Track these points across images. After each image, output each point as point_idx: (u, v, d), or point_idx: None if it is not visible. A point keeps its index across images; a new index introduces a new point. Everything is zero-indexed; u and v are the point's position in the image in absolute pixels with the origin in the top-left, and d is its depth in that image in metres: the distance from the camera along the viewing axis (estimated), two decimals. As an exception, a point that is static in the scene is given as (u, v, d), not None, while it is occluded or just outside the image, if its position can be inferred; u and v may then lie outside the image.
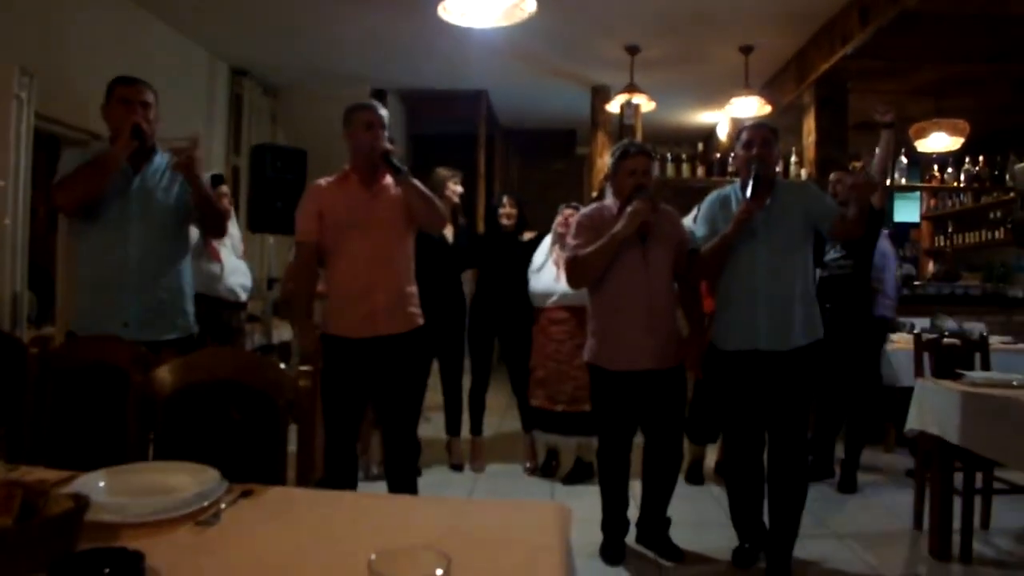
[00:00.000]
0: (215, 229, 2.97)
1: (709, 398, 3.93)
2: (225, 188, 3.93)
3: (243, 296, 3.76)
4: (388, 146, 2.75)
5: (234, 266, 3.73)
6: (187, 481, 1.35)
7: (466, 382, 4.37)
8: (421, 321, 2.89)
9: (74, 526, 1.04)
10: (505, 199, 4.32)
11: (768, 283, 2.78)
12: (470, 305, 4.40)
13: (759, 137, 2.86)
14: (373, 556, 0.80)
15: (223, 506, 1.29)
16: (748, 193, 2.77)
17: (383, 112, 2.82)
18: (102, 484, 1.33)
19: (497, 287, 4.29)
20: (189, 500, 1.27)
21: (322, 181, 2.88)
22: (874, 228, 4.04)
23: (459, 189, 4.15)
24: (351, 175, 2.83)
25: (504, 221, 4.27)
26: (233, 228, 3.87)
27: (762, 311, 2.78)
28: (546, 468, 4.25)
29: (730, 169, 6.27)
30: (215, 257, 3.68)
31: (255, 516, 1.28)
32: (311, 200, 2.83)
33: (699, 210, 3.89)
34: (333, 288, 2.85)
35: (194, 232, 3.50)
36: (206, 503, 1.28)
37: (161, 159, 2.74)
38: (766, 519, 2.92)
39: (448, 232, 4.10)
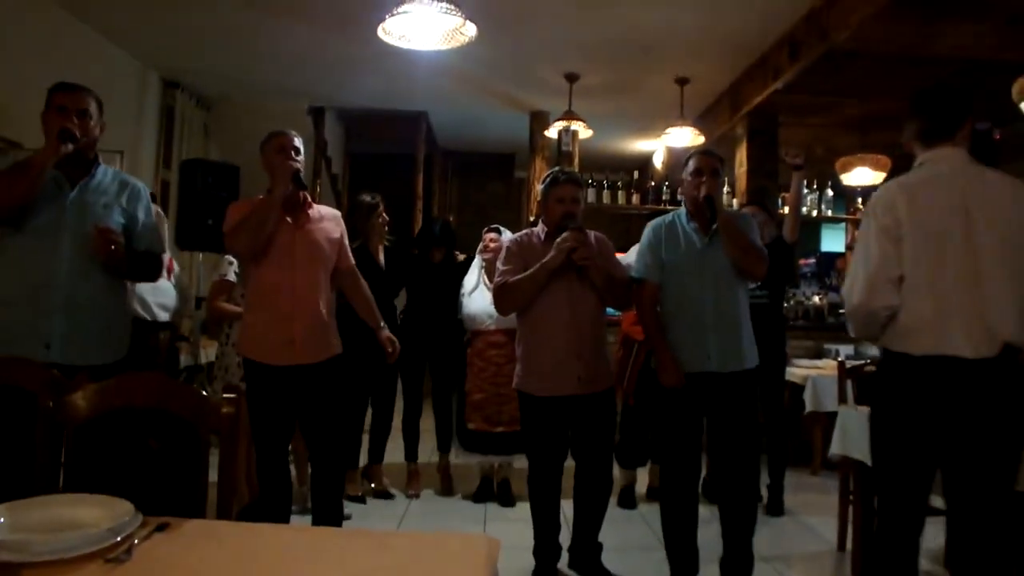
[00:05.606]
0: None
1: (641, 423, 3.97)
2: (157, 209, 3.72)
3: (162, 316, 3.58)
4: (297, 165, 2.74)
5: (153, 285, 3.56)
6: (97, 515, 1.28)
7: (399, 407, 4.30)
8: (339, 350, 2.88)
9: (-33, 568, 0.97)
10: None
11: (716, 305, 2.83)
12: (400, 329, 4.33)
13: (708, 166, 2.92)
14: (291, 600, 0.77)
15: (136, 541, 1.23)
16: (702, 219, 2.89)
17: (297, 141, 2.81)
18: (3, 520, 1.24)
19: (427, 310, 4.25)
20: (99, 536, 1.20)
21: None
22: (787, 260, 4.16)
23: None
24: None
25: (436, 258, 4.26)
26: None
27: (711, 333, 2.81)
28: (483, 493, 4.19)
29: (677, 196, 6.39)
30: None
31: (170, 551, 1.22)
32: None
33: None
34: (252, 311, 2.81)
35: None
36: (118, 538, 1.22)
37: (104, 175, 2.59)
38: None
39: (379, 255, 4.08)
